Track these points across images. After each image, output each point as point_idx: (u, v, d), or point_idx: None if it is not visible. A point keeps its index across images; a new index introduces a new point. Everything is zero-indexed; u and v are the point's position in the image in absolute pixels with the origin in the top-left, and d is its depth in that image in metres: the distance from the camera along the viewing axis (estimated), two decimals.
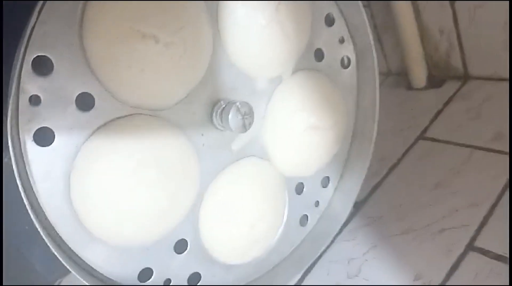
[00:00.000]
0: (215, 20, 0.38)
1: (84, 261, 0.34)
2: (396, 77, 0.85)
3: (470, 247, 0.46)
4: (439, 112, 0.70)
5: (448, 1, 0.67)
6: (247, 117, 0.39)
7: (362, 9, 0.47)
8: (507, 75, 0.67)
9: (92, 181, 0.33)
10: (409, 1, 0.70)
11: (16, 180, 0.30)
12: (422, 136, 0.67)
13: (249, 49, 0.41)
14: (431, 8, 0.70)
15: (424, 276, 0.45)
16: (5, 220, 0.58)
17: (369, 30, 0.48)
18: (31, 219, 0.60)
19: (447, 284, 0.43)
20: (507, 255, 0.43)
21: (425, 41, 0.74)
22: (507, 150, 0.55)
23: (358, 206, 0.57)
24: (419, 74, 0.77)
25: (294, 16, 0.42)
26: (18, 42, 0.29)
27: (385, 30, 0.79)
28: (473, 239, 0.46)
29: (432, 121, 0.69)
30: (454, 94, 0.72)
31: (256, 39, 0.40)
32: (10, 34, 0.32)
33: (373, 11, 0.79)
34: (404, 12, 0.71)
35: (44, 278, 0.64)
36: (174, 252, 0.39)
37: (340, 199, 0.52)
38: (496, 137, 0.58)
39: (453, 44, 0.72)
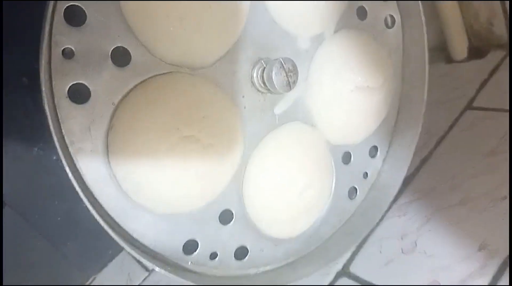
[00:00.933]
0: None
1: (126, 231, 0.32)
2: (433, 52, 0.80)
3: None
4: (485, 82, 0.66)
5: None
6: (291, 74, 0.36)
7: None
8: None
9: (132, 141, 0.31)
10: None
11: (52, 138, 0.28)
12: (469, 106, 0.63)
13: (289, 4, 0.38)
14: None
15: (490, 245, 0.41)
16: (37, 213, 0.56)
17: None
18: (64, 209, 0.58)
19: None
20: None
21: (464, 10, 0.70)
22: None
23: (406, 180, 0.53)
24: (459, 45, 0.72)
25: None
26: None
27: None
28: None
29: (478, 91, 0.65)
30: (500, 63, 0.68)
31: None
32: None
33: None
34: None
35: (78, 274, 0.62)
36: (220, 223, 0.36)
37: (390, 170, 0.48)
38: None
39: (495, 10, 0.67)
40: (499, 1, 0.66)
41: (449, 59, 0.75)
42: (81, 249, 0.61)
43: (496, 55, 0.70)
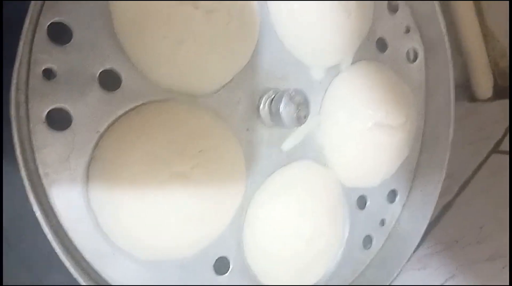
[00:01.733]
0: None
1: (103, 279, 0.27)
2: (457, 88, 0.76)
3: None
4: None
5: None
6: (302, 108, 0.32)
7: None
8: None
9: (117, 176, 0.27)
10: (472, 3, 0.63)
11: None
12: (495, 150, 0.58)
13: (303, 29, 0.34)
14: (496, 8, 0.63)
15: None
16: (22, 242, 0.53)
17: (441, 19, 0.41)
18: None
19: None
20: None
21: (489, 47, 0.67)
22: None
23: (427, 229, 0.48)
24: (484, 84, 0.68)
25: None
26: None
27: None
28: None
29: (505, 133, 0.60)
30: None
31: (310, 17, 0.34)
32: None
33: None
34: (466, 15, 0.64)
35: None
36: (214, 273, 0.32)
37: (410, 217, 0.43)
38: None
39: None
40: None
41: (472, 98, 0.71)
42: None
43: None
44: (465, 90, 0.72)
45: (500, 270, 0.41)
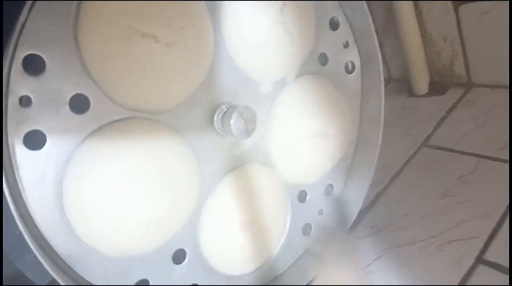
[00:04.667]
0: (217, 20, 0.37)
1: (77, 273, 0.32)
2: (397, 83, 0.84)
3: (480, 260, 0.44)
4: (442, 119, 0.69)
5: (452, 7, 0.65)
6: (250, 122, 0.37)
7: (368, 13, 0.45)
8: None
9: (86, 188, 0.31)
10: (412, 7, 0.69)
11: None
12: (425, 144, 0.65)
13: (252, 51, 0.39)
14: (434, 14, 0.69)
15: None
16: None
17: (374, 35, 0.46)
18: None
19: None
20: None
21: (427, 47, 0.73)
22: None
23: (361, 214, 0.55)
24: (421, 81, 0.75)
25: (298, 18, 0.40)
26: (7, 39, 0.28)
27: (386, 35, 0.78)
28: (482, 252, 0.45)
29: (435, 129, 0.67)
30: (458, 101, 0.71)
31: (259, 41, 0.39)
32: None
33: (374, 16, 0.78)
34: (407, 18, 0.70)
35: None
36: (173, 263, 0.37)
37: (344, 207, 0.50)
38: (504, 146, 0.57)
39: (457, 51, 0.70)
40: (460, 43, 0.69)
41: (411, 92, 0.78)
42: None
43: (455, 93, 0.73)
44: (406, 83, 0.79)
45: (418, 252, 0.48)
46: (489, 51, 0.67)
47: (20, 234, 0.62)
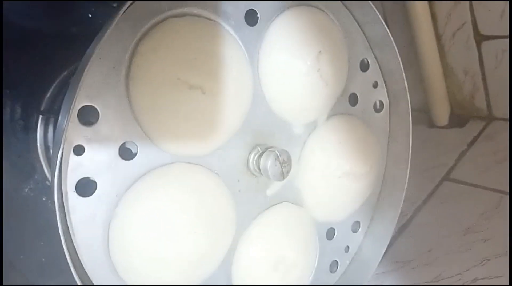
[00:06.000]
0: (255, 67, 0.38)
1: None
2: (417, 113, 0.84)
3: None
4: (463, 153, 0.70)
5: (474, 44, 0.67)
6: (285, 165, 0.38)
7: (397, 55, 0.46)
8: None
9: (132, 229, 0.32)
10: (434, 42, 0.70)
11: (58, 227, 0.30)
12: (447, 177, 0.66)
13: (288, 95, 0.40)
14: (456, 49, 0.70)
15: None
16: (21, 253, 0.57)
17: (403, 76, 0.47)
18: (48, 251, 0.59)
19: None
20: None
21: (448, 80, 0.75)
22: None
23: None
24: (441, 112, 0.76)
25: (333, 64, 0.41)
26: None
27: (408, 65, 0.79)
28: None
29: (457, 162, 0.68)
30: (479, 134, 0.72)
31: (295, 86, 0.40)
32: None
33: (396, 47, 0.79)
34: (429, 52, 0.71)
35: None
36: None
37: (370, 244, 0.51)
38: None
39: (478, 85, 0.72)
40: (481, 77, 0.70)
41: (431, 123, 0.79)
42: None
43: (476, 125, 0.74)
44: (425, 114, 0.81)
45: None
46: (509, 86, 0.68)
47: (46, 261, 0.63)
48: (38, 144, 0.55)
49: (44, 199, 0.58)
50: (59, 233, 0.30)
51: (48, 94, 0.55)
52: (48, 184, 0.58)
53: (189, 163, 0.36)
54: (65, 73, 0.56)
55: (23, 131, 0.56)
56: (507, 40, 0.63)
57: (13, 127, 0.55)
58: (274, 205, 0.42)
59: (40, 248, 0.58)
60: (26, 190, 0.57)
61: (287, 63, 0.39)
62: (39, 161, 0.56)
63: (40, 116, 0.54)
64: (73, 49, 0.55)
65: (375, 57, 0.48)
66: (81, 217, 0.31)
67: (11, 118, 0.54)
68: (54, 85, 0.54)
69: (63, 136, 0.29)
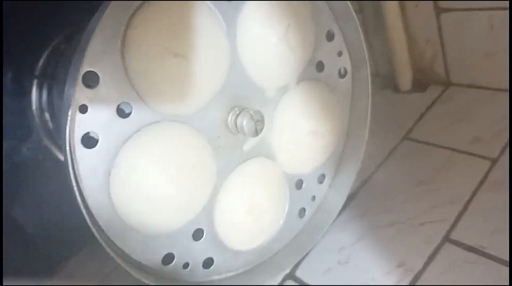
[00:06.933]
0: (233, 37, 0.44)
1: (118, 247, 0.40)
2: (384, 78, 0.91)
3: (447, 239, 0.52)
4: (422, 115, 0.77)
5: (434, 15, 0.73)
6: (259, 123, 0.45)
7: (358, 27, 0.52)
8: (486, 84, 0.74)
9: (129, 177, 0.39)
10: (399, 12, 0.76)
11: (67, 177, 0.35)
12: (406, 137, 0.74)
13: (261, 63, 0.46)
14: (418, 20, 0.76)
15: (406, 264, 0.52)
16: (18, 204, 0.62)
17: (364, 46, 0.53)
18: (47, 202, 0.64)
19: (425, 271, 0.50)
20: (479, 247, 0.50)
21: (411, 48, 0.81)
22: (483, 153, 0.63)
23: (349, 199, 0.63)
24: (404, 78, 0.83)
25: (300, 34, 0.47)
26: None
27: (375, 34, 0.85)
28: (449, 232, 0.53)
29: (416, 123, 0.76)
30: (437, 98, 0.79)
31: (267, 55, 0.46)
32: None
33: (365, 17, 0.85)
34: (393, 21, 0.77)
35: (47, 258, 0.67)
36: (192, 240, 0.45)
37: (334, 194, 0.58)
38: (474, 141, 0.65)
39: (437, 52, 0.78)
40: (440, 45, 0.77)
41: (396, 88, 0.85)
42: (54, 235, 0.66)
43: (435, 90, 0.81)
44: (391, 80, 0.87)
45: (394, 234, 0.57)
46: (467, 54, 0.74)
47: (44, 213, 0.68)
48: (34, 107, 0.60)
49: (41, 158, 0.63)
50: (66, 181, 0.36)
51: (41, 61, 0.59)
52: (44, 144, 0.63)
53: (175, 121, 0.42)
54: (56, 40, 0.60)
55: (19, 95, 0.60)
56: (463, 13, 0.69)
57: (9, 92, 0.59)
58: (249, 159, 0.48)
59: (37, 200, 0.63)
60: (25, 150, 0.62)
61: (261, 34, 0.45)
62: (35, 123, 0.61)
63: (35, 80, 0.58)
64: (63, 18, 0.60)
65: (340, 28, 0.53)
66: (86, 166, 0.37)
67: (6, 82, 0.59)
68: (47, 51, 0.59)
69: (73, 97, 0.35)
